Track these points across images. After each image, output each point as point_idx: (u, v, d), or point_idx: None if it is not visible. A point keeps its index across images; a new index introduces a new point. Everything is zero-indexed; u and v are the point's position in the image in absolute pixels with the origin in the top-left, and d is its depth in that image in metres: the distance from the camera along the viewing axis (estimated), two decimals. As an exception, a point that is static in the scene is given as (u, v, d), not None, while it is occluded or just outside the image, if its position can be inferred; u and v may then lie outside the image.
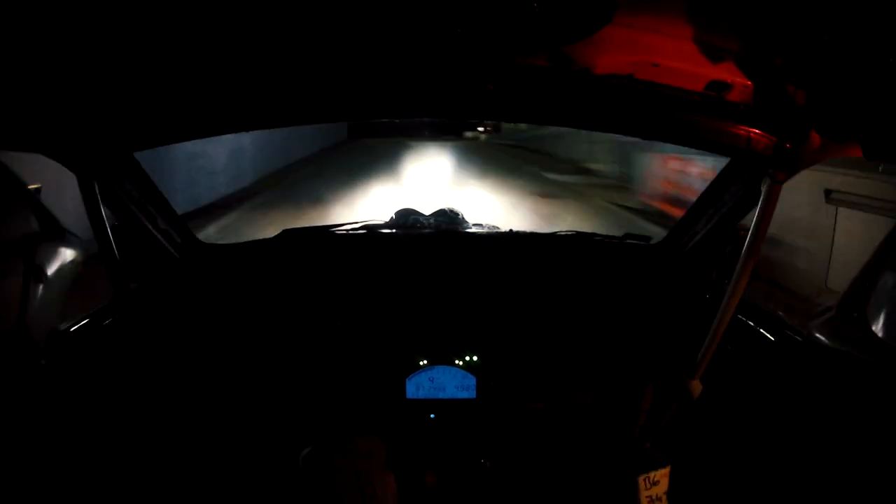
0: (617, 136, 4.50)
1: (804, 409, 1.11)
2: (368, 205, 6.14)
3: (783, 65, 0.84)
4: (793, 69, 0.83)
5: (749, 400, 1.27)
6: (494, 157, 12.11)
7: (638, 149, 7.75)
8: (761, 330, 1.26)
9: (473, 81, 0.90)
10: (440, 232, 1.64)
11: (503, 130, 14.88)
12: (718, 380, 1.23)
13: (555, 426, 1.40)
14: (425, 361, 1.35)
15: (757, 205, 1.08)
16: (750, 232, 1.09)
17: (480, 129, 14.17)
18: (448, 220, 1.67)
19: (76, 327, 1.09)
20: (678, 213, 4.21)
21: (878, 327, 0.72)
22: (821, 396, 1.07)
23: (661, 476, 1.30)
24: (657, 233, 1.67)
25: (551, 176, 9.65)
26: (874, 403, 0.93)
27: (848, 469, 0.98)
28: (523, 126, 13.33)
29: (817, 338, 1.04)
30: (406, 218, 1.66)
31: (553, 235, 1.65)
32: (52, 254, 0.94)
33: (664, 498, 1.30)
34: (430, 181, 8.35)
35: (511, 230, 1.65)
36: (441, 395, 1.35)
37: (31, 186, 0.97)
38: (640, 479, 1.28)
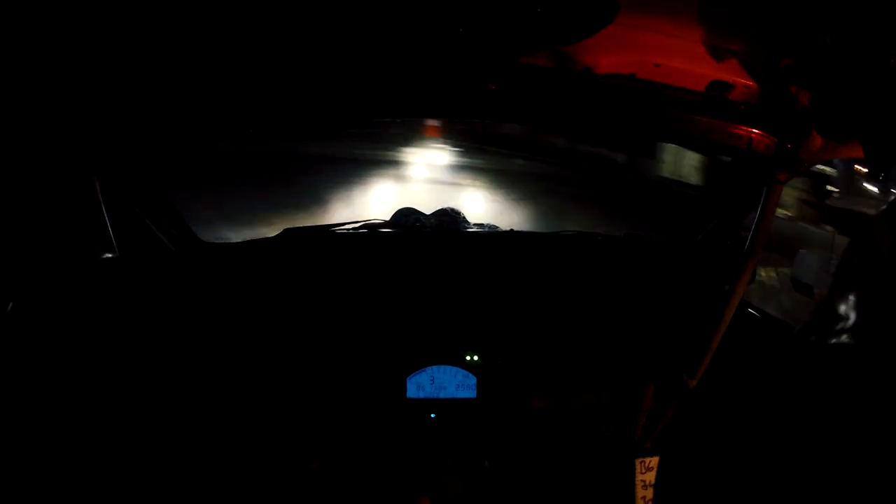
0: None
1: (805, 409, 1.11)
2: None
3: (786, 66, 0.84)
4: (795, 70, 0.83)
5: (749, 400, 1.27)
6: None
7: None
8: (762, 330, 1.27)
9: (475, 81, 0.90)
10: (441, 231, 1.64)
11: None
12: (719, 380, 1.23)
13: (555, 426, 1.40)
14: (426, 361, 1.35)
15: (758, 205, 1.08)
16: (751, 232, 1.09)
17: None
18: (449, 220, 1.68)
19: (75, 325, 1.09)
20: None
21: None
22: (821, 398, 1.07)
23: (654, 463, 1.33)
24: (659, 233, 1.67)
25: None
26: (872, 406, 0.93)
27: (844, 472, 0.98)
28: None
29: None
30: (407, 217, 1.66)
31: (554, 235, 1.66)
32: None
33: (651, 487, 1.32)
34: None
35: (512, 230, 1.65)
36: (442, 395, 1.35)
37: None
38: (637, 461, 1.31)
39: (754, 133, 0.99)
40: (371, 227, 1.60)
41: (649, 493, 1.35)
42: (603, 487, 1.41)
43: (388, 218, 1.68)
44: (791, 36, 0.78)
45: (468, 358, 1.35)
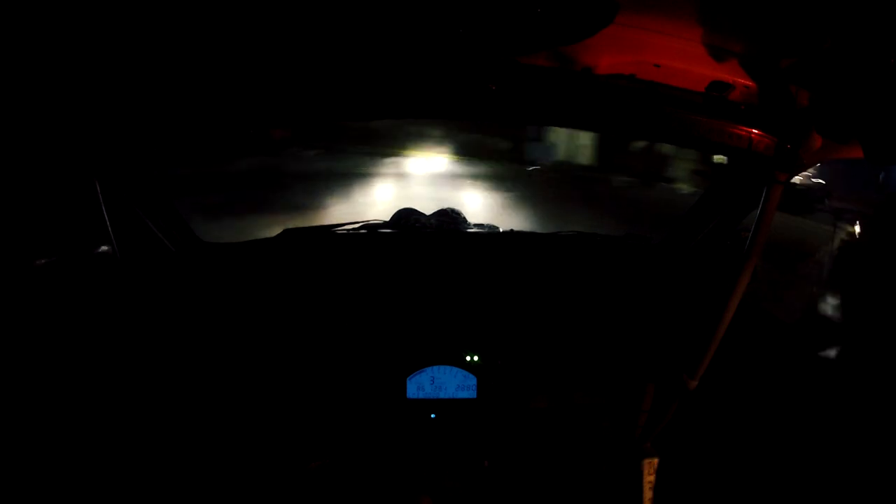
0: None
1: (804, 410, 1.11)
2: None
3: (786, 66, 0.84)
4: (795, 70, 0.83)
5: (749, 400, 1.27)
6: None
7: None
8: (762, 331, 1.27)
9: (475, 81, 0.90)
10: (441, 232, 1.64)
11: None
12: (719, 380, 1.23)
13: (555, 426, 1.40)
14: (426, 361, 1.35)
15: (758, 205, 1.08)
16: (751, 232, 1.09)
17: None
18: (449, 220, 1.68)
19: (75, 324, 1.09)
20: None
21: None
22: (821, 398, 1.07)
23: (655, 464, 1.34)
24: (658, 233, 1.67)
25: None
26: (870, 406, 0.93)
27: (843, 472, 0.98)
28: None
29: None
30: (407, 218, 1.66)
31: (554, 235, 1.66)
32: None
33: (652, 488, 1.33)
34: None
35: (512, 230, 1.65)
36: (442, 395, 1.35)
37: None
38: (645, 462, 1.31)
39: (754, 133, 0.99)
40: (371, 228, 1.60)
41: (650, 494, 1.35)
42: (603, 488, 1.41)
43: (387, 218, 1.68)
44: (791, 36, 0.78)
45: (468, 358, 1.35)
